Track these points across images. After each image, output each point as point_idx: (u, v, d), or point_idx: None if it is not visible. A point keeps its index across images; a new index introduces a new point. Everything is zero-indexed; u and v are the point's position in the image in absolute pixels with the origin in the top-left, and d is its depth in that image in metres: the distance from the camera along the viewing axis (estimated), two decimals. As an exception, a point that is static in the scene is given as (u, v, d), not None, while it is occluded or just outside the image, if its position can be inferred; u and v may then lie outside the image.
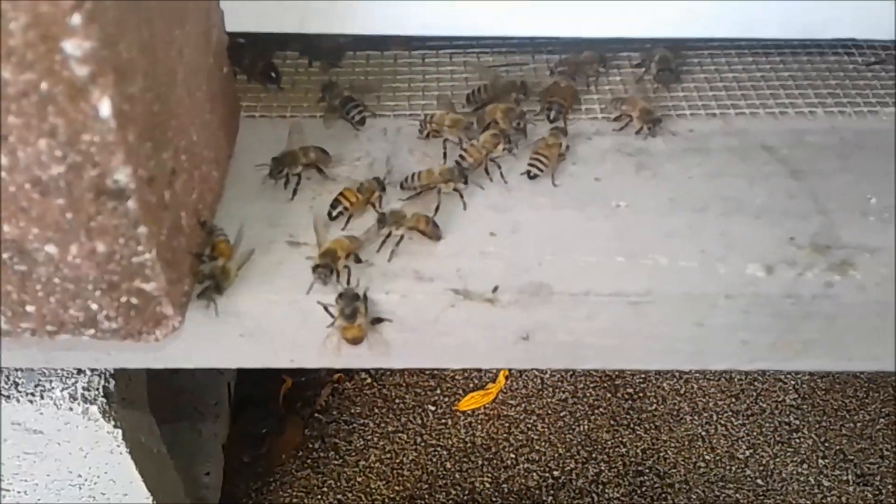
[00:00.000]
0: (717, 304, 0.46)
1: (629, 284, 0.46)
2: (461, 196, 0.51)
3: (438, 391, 1.18)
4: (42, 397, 0.73)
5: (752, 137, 0.55)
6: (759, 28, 0.52)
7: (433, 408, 1.16)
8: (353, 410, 1.16)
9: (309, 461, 1.09)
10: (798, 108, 0.57)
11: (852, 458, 1.11)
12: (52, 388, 0.71)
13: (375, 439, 1.12)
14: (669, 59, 0.58)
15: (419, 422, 1.14)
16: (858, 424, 1.14)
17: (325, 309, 0.45)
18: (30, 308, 0.40)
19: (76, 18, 0.31)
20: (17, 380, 0.72)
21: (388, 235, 0.48)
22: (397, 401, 1.17)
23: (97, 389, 0.72)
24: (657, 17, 0.55)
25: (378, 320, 0.46)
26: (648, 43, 0.59)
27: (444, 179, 0.50)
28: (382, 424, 1.14)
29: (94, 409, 0.72)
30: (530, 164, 0.52)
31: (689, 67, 0.60)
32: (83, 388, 0.72)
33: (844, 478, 1.09)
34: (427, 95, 0.59)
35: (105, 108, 0.33)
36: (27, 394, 0.73)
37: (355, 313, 0.44)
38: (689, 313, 0.47)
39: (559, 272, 0.47)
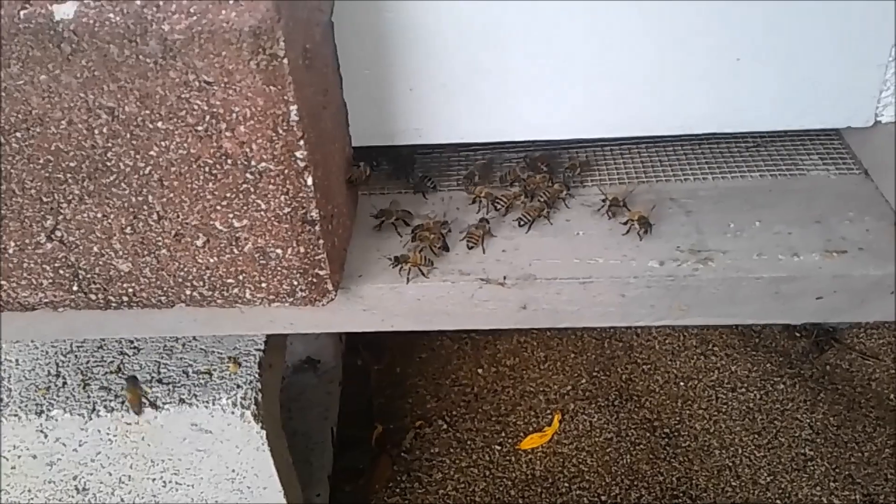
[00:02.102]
0: (630, 283, 0.93)
1: (579, 273, 0.94)
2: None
3: (503, 434, 1.60)
4: (213, 404, 1.04)
5: (665, 194, 1.03)
6: (656, 128, 1.01)
7: (499, 447, 1.57)
8: (432, 450, 1.57)
9: (398, 490, 1.51)
10: (696, 175, 1.06)
11: (860, 481, 1.43)
12: (220, 397, 1.05)
13: (452, 473, 1.53)
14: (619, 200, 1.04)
15: (487, 459, 1.55)
16: (866, 454, 1.48)
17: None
18: (263, 284, 0.91)
19: (302, 142, 0.83)
20: (195, 392, 1.07)
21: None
22: (469, 442, 1.59)
23: (251, 399, 1.06)
24: (605, 122, 1.04)
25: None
26: (605, 142, 1.09)
27: (541, 209, 1.01)
28: (457, 461, 1.55)
29: (248, 413, 1.04)
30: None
31: (631, 154, 1.09)
32: (241, 398, 1.05)
33: (853, 497, 1.41)
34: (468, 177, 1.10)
35: (310, 180, 0.86)
36: (203, 402, 1.05)
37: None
38: (615, 289, 0.94)
39: (541, 268, 0.96)
